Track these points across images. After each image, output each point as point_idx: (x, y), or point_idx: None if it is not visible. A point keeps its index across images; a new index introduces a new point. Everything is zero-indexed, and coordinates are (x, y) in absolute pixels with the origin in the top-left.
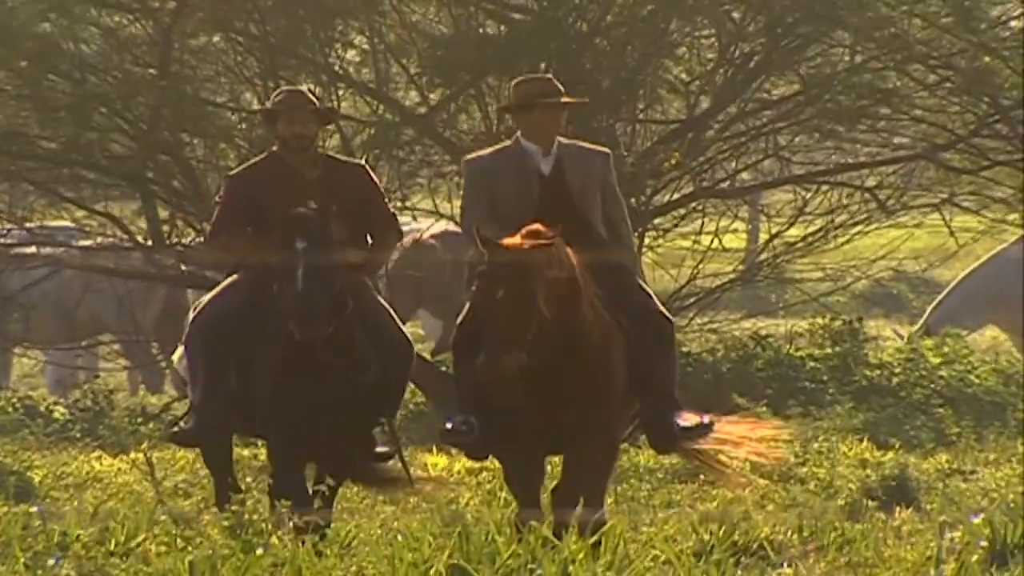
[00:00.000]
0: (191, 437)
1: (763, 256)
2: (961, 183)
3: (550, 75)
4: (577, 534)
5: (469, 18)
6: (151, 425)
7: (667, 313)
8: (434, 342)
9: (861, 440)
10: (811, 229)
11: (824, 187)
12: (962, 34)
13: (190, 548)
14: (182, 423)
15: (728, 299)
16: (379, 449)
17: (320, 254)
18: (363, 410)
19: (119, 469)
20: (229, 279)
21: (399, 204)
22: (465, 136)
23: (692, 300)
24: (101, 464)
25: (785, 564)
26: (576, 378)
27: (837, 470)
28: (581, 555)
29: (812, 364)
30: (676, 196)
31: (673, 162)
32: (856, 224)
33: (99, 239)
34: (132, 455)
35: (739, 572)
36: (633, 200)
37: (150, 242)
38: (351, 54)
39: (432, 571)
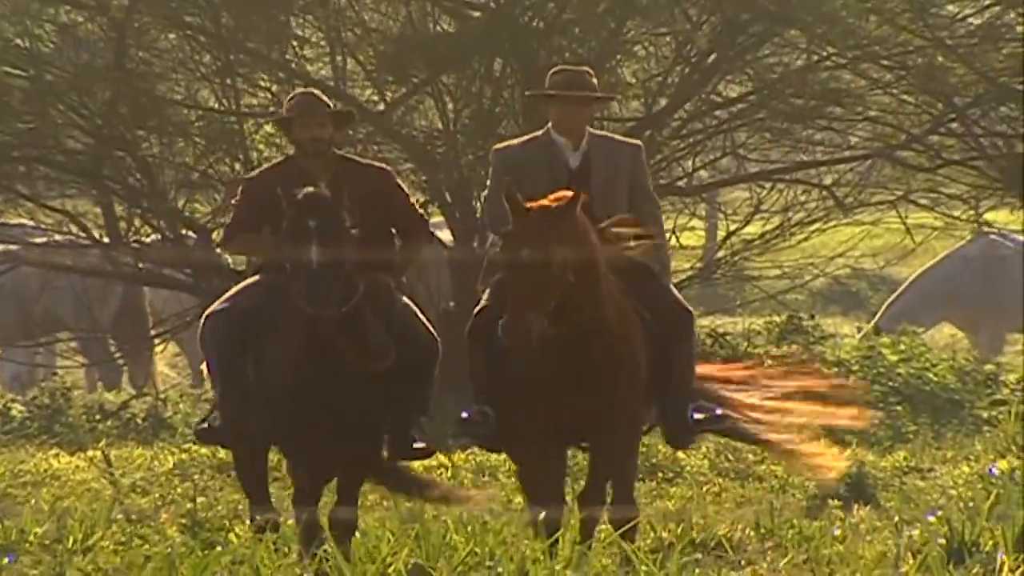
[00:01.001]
0: (215, 436)
1: (721, 254)
2: (917, 181)
3: (585, 68)
4: (611, 532)
5: (425, 15)
6: (108, 422)
7: (687, 306)
8: None
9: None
10: (769, 227)
11: (781, 185)
12: (917, 32)
13: (147, 546)
14: (210, 422)
15: (686, 296)
16: (417, 445)
17: (332, 232)
18: (385, 405)
19: (76, 467)
20: (245, 281)
21: None
22: (421, 133)
23: None
24: (58, 462)
25: (743, 562)
26: (598, 368)
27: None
28: (539, 553)
29: (770, 362)
30: None
31: None
32: (813, 222)
33: (56, 236)
34: (89, 453)
35: (697, 570)
36: None
37: (107, 239)
38: (307, 51)
39: (391, 569)
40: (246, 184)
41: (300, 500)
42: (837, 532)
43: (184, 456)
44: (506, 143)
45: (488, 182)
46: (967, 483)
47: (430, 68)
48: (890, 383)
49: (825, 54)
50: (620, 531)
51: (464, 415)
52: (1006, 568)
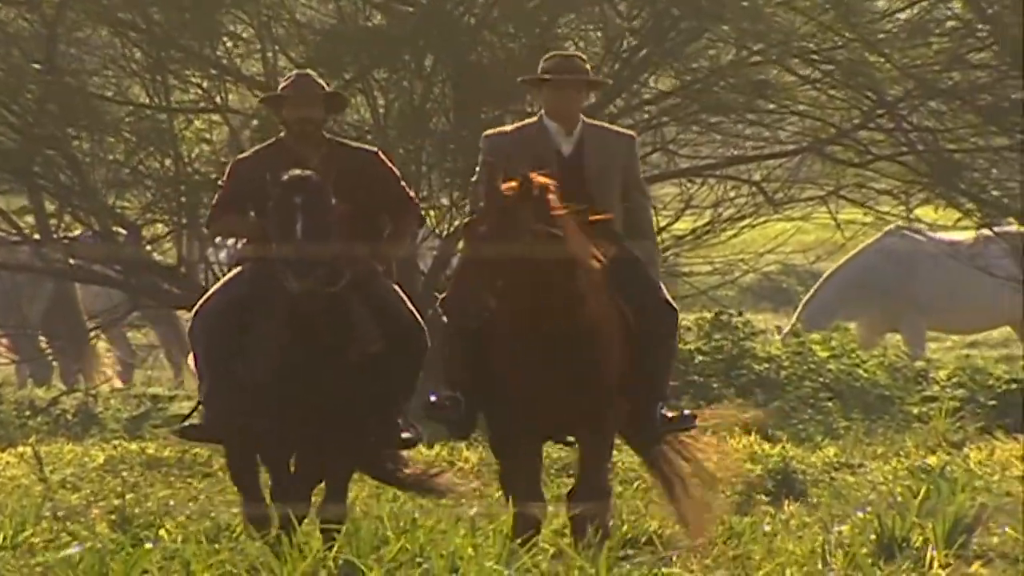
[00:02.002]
0: (203, 432)
1: None
2: (847, 176)
3: (577, 53)
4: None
5: (356, 10)
6: (39, 419)
7: (672, 302)
8: None
9: (749, 433)
10: (699, 223)
11: (711, 180)
12: (843, 29)
13: (78, 542)
14: (192, 418)
15: None
16: (404, 435)
17: (318, 209)
18: (370, 395)
19: (7, 463)
20: (231, 273)
21: None
22: (352, 128)
23: None
24: None
25: (673, 558)
26: (575, 358)
27: (725, 463)
28: (469, 549)
29: (701, 358)
30: None
31: None
32: (743, 217)
33: None
34: (20, 449)
35: (628, 565)
36: None
37: (37, 236)
38: (238, 47)
39: (322, 565)
40: (233, 165)
41: (279, 496)
42: (767, 528)
43: (114, 452)
44: (497, 129)
45: (477, 168)
46: (897, 479)
47: (361, 63)
48: (821, 379)
49: (754, 49)
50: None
51: (432, 398)
52: (936, 564)
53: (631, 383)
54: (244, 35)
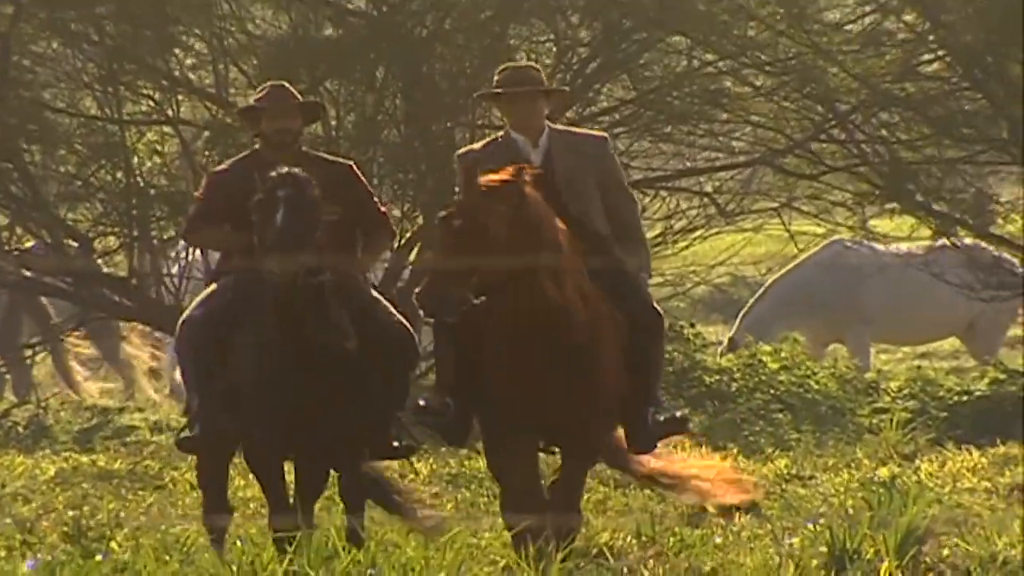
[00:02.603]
0: (198, 443)
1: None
2: (800, 188)
3: (530, 64)
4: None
5: (307, 22)
6: None
7: (657, 308)
8: None
9: (700, 445)
10: (651, 234)
11: (663, 192)
12: (796, 39)
13: (29, 554)
14: (187, 431)
15: None
16: (396, 444)
17: (301, 201)
18: (357, 402)
19: None
20: (211, 286)
21: None
22: (304, 140)
23: None
24: None
25: (624, 569)
26: (565, 364)
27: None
28: (421, 561)
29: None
30: None
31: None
32: (695, 229)
33: None
34: None
35: None
36: None
37: None
38: (190, 59)
39: None
40: (211, 177)
41: (278, 509)
42: (718, 540)
43: (65, 465)
44: (468, 147)
45: (455, 187)
46: (848, 491)
47: (313, 75)
48: (772, 391)
49: (707, 60)
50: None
51: (422, 403)
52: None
53: (623, 389)
54: (196, 47)
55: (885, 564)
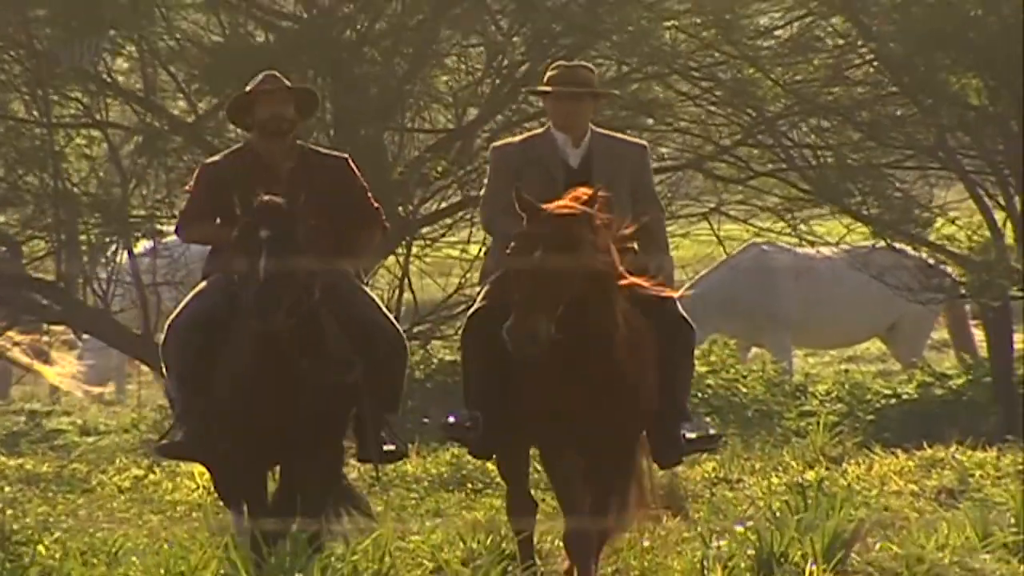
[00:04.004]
0: (181, 449)
1: None
2: (729, 192)
3: (584, 64)
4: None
5: (238, 26)
6: None
7: (689, 320)
8: None
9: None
10: None
11: None
12: (723, 46)
13: None
14: (170, 436)
15: None
16: (387, 447)
17: (284, 244)
18: (348, 409)
19: None
20: (201, 284)
21: (168, 213)
22: (234, 143)
23: (460, 309)
24: None
25: (553, 572)
26: (600, 378)
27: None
28: (350, 564)
29: None
30: (444, 205)
31: (440, 171)
32: None
33: None
34: None
35: None
36: (401, 209)
37: None
38: (120, 62)
39: None
40: (203, 170)
41: (256, 512)
42: (646, 543)
43: None
44: (505, 140)
45: (486, 180)
46: (776, 494)
47: (242, 79)
48: (699, 394)
49: (635, 66)
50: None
51: (451, 419)
52: None
53: (654, 403)
54: (126, 50)
55: (813, 567)
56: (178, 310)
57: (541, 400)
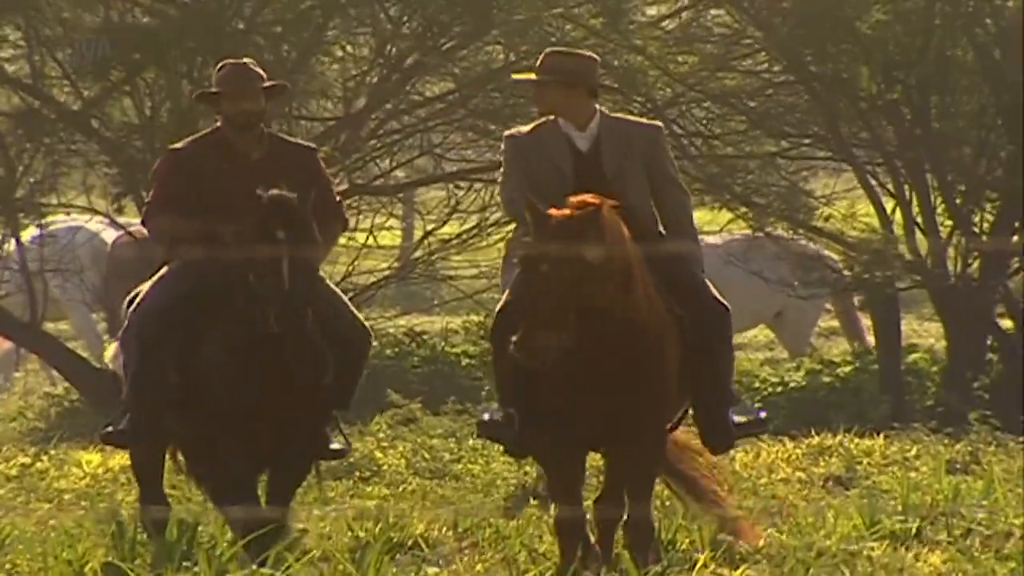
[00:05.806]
0: (125, 437)
1: (418, 253)
2: None
3: (577, 51)
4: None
5: (124, 12)
6: None
7: (724, 302)
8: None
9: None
10: (466, 226)
11: (478, 185)
12: (611, 35)
13: None
14: (114, 423)
15: (383, 296)
16: (334, 446)
17: (302, 244)
18: (318, 406)
19: None
20: (165, 268)
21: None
22: (120, 132)
23: (347, 297)
24: None
25: (440, 560)
26: (628, 369)
27: (492, 467)
28: (234, 552)
29: (468, 361)
30: None
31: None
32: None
33: None
34: None
35: (393, 569)
36: None
37: None
38: (4, 48)
39: (87, 568)
40: (169, 157)
41: (240, 498)
42: (533, 531)
43: None
44: (516, 128)
45: (502, 167)
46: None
47: (128, 65)
48: None
49: (522, 55)
50: (641, 535)
51: (486, 417)
52: (704, 567)
53: (691, 386)
54: (11, 37)
55: (701, 555)
56: (143, 295)
57: (567, 397)
